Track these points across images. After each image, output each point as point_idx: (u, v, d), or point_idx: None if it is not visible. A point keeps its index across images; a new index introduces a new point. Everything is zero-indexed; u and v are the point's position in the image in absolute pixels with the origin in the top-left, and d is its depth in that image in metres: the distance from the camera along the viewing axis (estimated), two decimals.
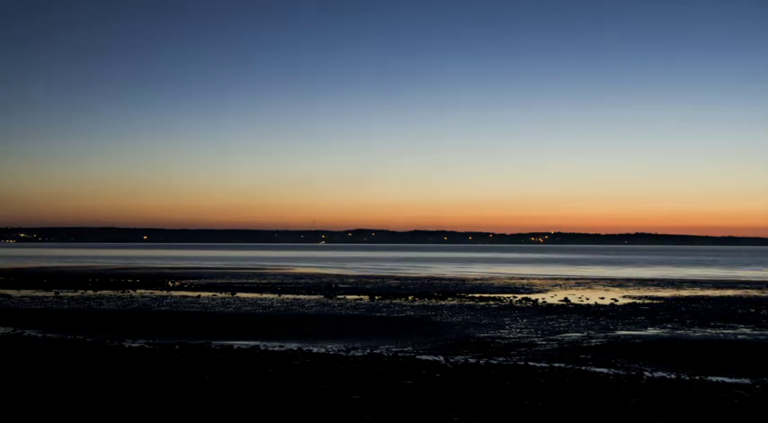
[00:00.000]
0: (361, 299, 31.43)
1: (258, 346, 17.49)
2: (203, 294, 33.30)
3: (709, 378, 13.72)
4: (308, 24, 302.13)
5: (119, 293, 33.66)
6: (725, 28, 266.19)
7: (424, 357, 16.10)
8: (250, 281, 44.33)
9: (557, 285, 41.98)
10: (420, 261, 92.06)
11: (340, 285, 40.50)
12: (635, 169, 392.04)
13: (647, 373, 14.15)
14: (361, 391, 11.03)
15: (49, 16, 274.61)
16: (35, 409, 9.32)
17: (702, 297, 33.84)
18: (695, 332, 20.87)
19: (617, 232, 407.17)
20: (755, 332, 20.97)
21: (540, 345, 18.23)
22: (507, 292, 36.16)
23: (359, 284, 41.46)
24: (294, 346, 17.62)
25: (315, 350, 16.93)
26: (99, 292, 34.19)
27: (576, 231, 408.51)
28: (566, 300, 31.50)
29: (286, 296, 32.68)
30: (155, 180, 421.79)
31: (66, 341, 17.54)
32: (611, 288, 39.97)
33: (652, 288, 40.11)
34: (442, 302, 29.86)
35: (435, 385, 11.87)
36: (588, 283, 44.83)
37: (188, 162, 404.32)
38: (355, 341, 18.57)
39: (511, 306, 28.48)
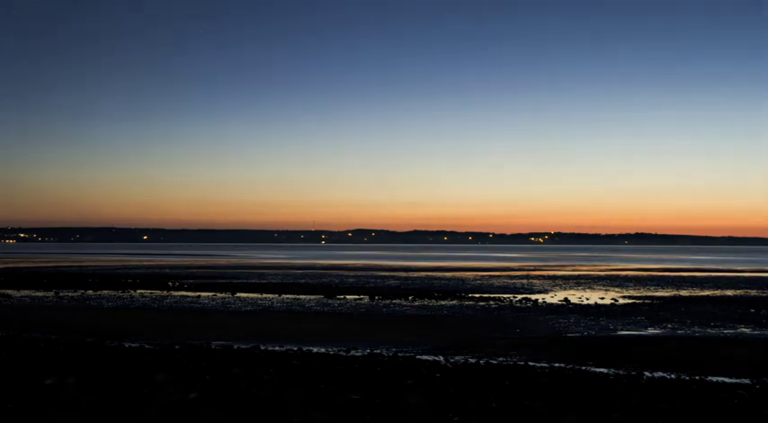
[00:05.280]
0: (361, 299, 31.42)
1: (258, 346, 17.49)
2: (203, 294, 33.32)
3: (709, 378, 13.71)
4: (306, 27, 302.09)
5: (119, 293, 33.66)
6: (726, 29, 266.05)
7: (424, 357, 16.10)
8: (250, 281, 44.31)
9: (557, 285, 41.95)
10: (420, 261, 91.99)
11: (340, 285, 40.49)
12: (635, 169, 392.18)
13: (646, 373, 14.15)
14: (360, 390, 11.03)
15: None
16: (36, 408, 9.32)
17: (702, 297, 33.83)
18: (695, 332, 20.87)
19: (617, 232, 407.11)
20: (756, 332, 20.98)
21: (540, 345, 18.23)
22: (507, 293, 36.14)
23: (359, 284, 41.44)
24: (294, 346, 17.62)
25: (315, 350, 16.93)
26: (99, 292, 34.19)
27: (575, 231, 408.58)
28: (566, 300, 31.50)
29: (286, 296, 32.68)
30: (155, 180, 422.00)
31: (67, 341, 17.54)
32: (611, 288, 39.95)
33: (652, 288, 40.10)
34: (443, 302, 29.85)
35: (435, 385, 11.87)
36: (588, 282, 44.81)
37: (188, 163, 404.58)
38: (355, 341, 18.57)
39: (511, 306, 28.48)
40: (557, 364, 15.20)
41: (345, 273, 56.11)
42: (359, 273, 56.22)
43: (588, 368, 14.83)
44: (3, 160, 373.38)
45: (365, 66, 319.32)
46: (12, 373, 11.80)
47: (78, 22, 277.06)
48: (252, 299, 31.10)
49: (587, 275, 53.92)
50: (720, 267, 71.76)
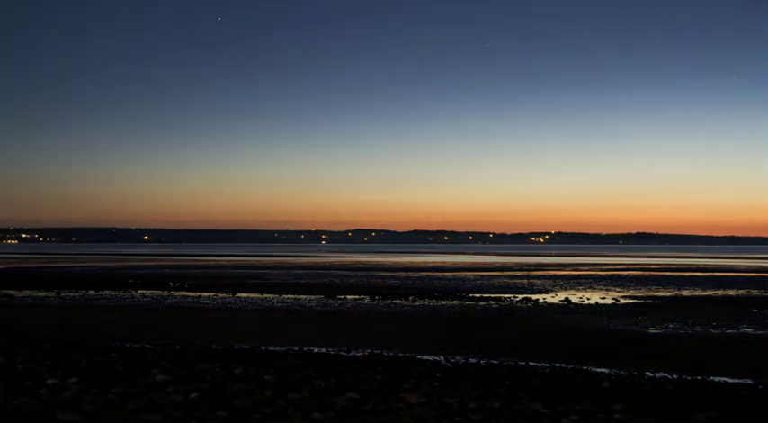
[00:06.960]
0: (362, 299, 31.41)
1: (259, 345, 17.48)
2: (204, 294, 33.31)
3: (712, 378, 13.70)
4: (309, 31, 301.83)
5: (120, 294, 33.66)
6: (724, 31, 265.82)
7: (425, 357, 16.09)
8: (250, 281, 44.28)
9: (557, 285, 41.91)
10: (421, 261, 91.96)
11: (341, 285, 40.46)
12: (635, 169, 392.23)
13: (648, 374, 14.13)
14: (361, 390, 11.01)
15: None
16: (37, 408, 9.30)
17: (704, 297, 33.80)
18: (697, 332, 20.85)
19: (617, 232, 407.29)
20: (758, 332, 20.95)
21: (541, 345, 18.21)
22: (508, 293, 36.11)
23: (359, 284, 41.41)
24: (295, 346, 17.61)
25: (315, 350, 16.92)
26: (100, 293, 34.18)
27: (576, 231, 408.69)
28: (567, 300, 31.47)
29: (287, 296, 32.67)
30: (155, 181, 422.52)
31: (69, 341, 17.54)
32: (612, 288, 39.91)
33: (653, 288, 40.05)
34: (443, 302, 29.84)
35: (436, 385, 11.85)
36: (589, 282, 44.76)
37: (188, 163, 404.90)
38: (356, 341, 18.56)
39: (512, 306, 28.46)
40: (558, 364, 15.19)
41: (346, 273, 56.09)
42: (359, 273, 56.21)
43: (589, 368, 14.82)
44: (4, 161, 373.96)
45: (365, 67, 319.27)
46: (14, 373, 11.79)
47: (81, 45, 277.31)
48: (252, 299, 31.08)
49: (588, 275, 53.87)
50: (722, 267, 71.71)
